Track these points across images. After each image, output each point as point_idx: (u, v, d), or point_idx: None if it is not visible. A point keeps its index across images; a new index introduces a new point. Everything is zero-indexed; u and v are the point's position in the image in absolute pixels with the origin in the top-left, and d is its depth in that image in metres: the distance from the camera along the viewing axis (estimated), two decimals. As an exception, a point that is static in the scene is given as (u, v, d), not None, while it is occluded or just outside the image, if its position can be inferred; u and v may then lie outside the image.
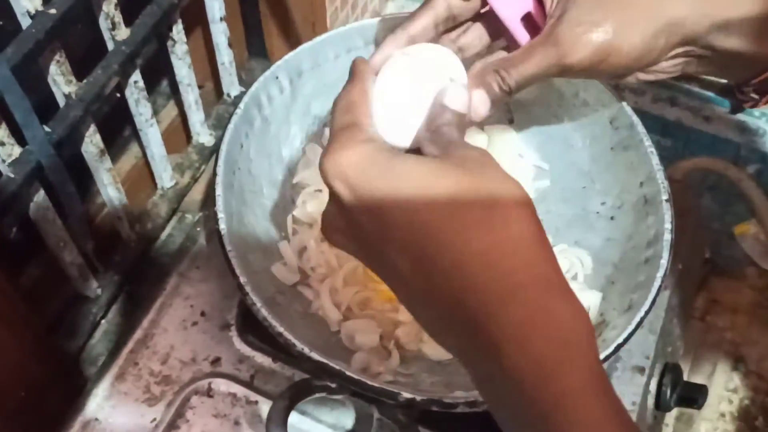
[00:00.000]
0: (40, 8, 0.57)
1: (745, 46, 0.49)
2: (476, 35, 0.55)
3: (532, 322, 0.34)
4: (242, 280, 0.55)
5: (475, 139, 0.75)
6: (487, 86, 0.48)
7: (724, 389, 0.86)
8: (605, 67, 0.49)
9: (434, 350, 0.63)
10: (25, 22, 0.57)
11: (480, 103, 0.48)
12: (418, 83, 0.45)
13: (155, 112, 0.75)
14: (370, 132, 0.41)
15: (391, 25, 0.66)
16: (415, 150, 0.44)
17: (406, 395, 0.51)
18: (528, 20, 0.53)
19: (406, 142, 0.45)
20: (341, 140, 0.40)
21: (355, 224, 0.40)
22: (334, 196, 0.40)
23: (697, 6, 0.49)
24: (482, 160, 0.39)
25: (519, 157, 0.74)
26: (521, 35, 0.53)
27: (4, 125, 0.57)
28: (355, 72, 0.45)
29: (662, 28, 0.49)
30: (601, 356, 0.54)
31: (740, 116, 0.94)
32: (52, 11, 0.57)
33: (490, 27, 0.55)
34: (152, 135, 0.75)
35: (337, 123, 0.42)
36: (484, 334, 0.35)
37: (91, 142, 0.67)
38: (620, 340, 0.55)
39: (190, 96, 0.80)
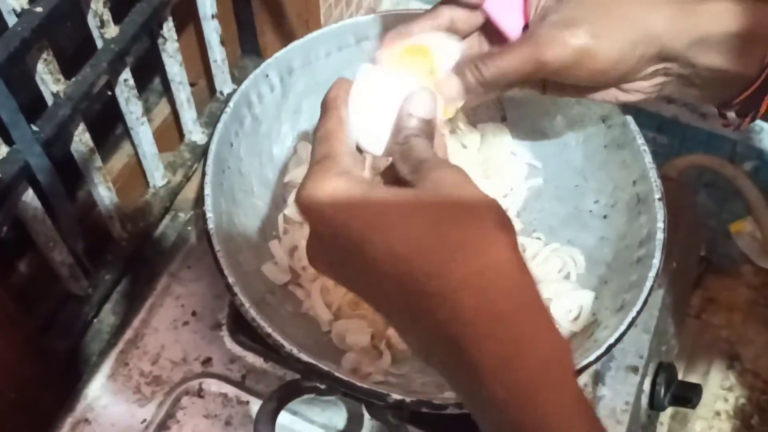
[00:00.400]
0: (27, 6, 0.56)
1: (725, 64, 0.49)
2: (475, 43, 0.55)
3: (514, 350, 0.35)
4: (231, 280, 0.54)
5: (468, 137, 0.74)
6: (461, 74, 0.49)
7: (720, 387, 0.85)
8: (581, 72, 0.50)
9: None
10: (11, 21, 0.57)
11: (451, 87, 0.49)
12: (394, 88, 0.45)
13: (147, 110, 0.75)
14: (344, 164, 0.41)
15: (390, 23, 0.65)
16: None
17: (396, 396, 0.51)
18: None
19: (380, 150, 0.44)
20: (316, 174, 0.40)
21: (336, 258, 0.40)
22: (313, 230, 0.41)
23: (676, 20, 0.49)
24: (456, 183, 0.39)
25: (512, 155, 0.73)
26: None
27: (-9, 124, 0.56)
28: (329, 99, 0.44)
29: (640, 39, 0.49)
30: (593, 356, 0.54)
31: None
32: (39, 9, 0.57)
33: (490, 38, 0.55)
34: (143, 133, 0.75)
35: (314, 155, 0.42)
36: (469, 360, 0.35)
37: (81, 141, 0.67)
38: (612, 340, 0.54)
39: (182, 94, 0.80)
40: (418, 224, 0.37)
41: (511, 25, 0.53)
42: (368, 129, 0.44)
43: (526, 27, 0.53)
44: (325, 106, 0.44)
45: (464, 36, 0.54)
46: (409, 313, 0.37)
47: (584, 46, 0.48)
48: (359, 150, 0.45)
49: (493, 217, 0.37)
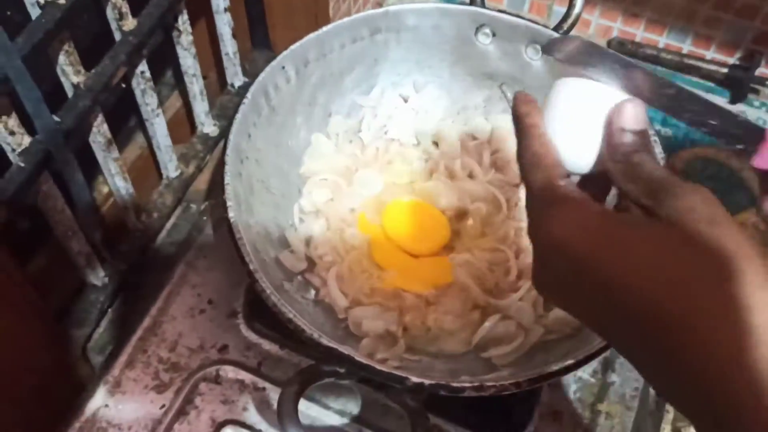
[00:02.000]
0: (50, -2, 0.57)
1: None
2: None
3: None
4: (252, 267, 0.55)
5: (479, 129, 0.75)
6: None
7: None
8: None
9: (443, 342, 0.64)
10: (34, 13, 0.57)
11: None
12: (590, 102, 0.41)
13: (159, 103, 0.76)
14: (567, 191, 0.38)
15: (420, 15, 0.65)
16: (601, 174, 0.41)
17: (415, 380, 0.52)
18: None
19: (586, 168, 0.41)
20: (544, 208, 0.38)
21: (570, 287, 0.37)
22: (547, 260, 0.38)
23: None
24: (711, 218, 0.34)
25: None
26: None
27: (14, 114, 0.57)
28: (521, 116, 0.41)
29: None
30: (604, 344, 0.55)
31: (740, 106, 0.95)
32: (61, 1, 0.57)
33: None
34: (158, 125, 0.76)
35: (530, 184, 0.40)
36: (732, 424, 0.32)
37: (99, 132, 0.67)
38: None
39: (195, 86, 0.80)
40: (674, 265, 0.33)
41: None
42: (572, 147, 0.41)
43: None
44: (520, 125, 0.41)
45: None
46: (659, 363, 0.34)
47: None
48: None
49: (756, 270, 0.33)
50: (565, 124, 0.41)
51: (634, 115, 0.39)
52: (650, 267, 0.34)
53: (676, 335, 0.33)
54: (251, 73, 0.89)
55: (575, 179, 0.41)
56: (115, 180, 0.72)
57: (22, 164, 0.58)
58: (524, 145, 0.41)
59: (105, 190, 0.78)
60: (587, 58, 0.42)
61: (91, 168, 0.72)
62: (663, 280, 0.33)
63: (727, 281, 0.32)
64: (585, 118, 0.41)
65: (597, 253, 0.35)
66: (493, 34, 0.71)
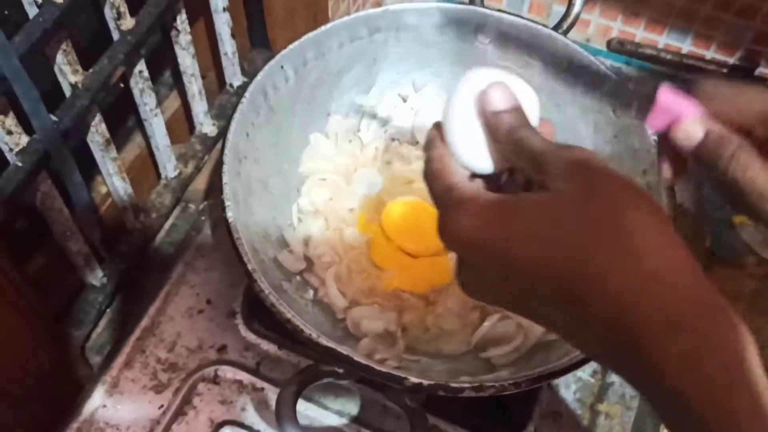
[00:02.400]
0: (47, -3, 0.57)
1: None
2: None
3: (694, 352, 0.33)
4: (250, 267, 0.55)
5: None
6: (722, 145, 0.42)
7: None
8: None
9: (443, 342, 0.64)
10: (32, 12, 0.57)
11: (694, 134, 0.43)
12: (471, 100, 0.41)
13: (158, 102, 0.75)
14: (466, 190, 0.40)
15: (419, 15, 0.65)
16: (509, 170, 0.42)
17: (414, 380, 0.52)
18: None
19: (490, 166, 0.42)
20: (445, 209, 0.39)
21: (491, 281, 0.39)
22: (461, 260, 0.40)
23: None
24: (589, 173, 0.36)
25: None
26: None
27: (11, 114, 0.57)
28: (428, 142, 0.43)
29: None
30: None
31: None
32: (59, 0, 0.57)
33: None
34: (157, 125, 0.76)
35: (434, 194, 0.41)
36: (646, 364, 0.34)
37: (97, 132, 0.67)
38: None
39: (194, 86, 0.80)
40: (567, 230, 0.35)
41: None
42: (471, 151, 0.42)
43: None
44: (426, 149, 0.43)
45: None
46: (575, 322, 0.36)
47: None
48: (475, 176, 0.43)
49: (638, 203, 0.35)
50: (459, 128, 0.42)
51: (499, 96, 0.40)
52: (543, 236, 0.36)
53: (577, 291, 0.35)
54: (250, 72, 0.89)
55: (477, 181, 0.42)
56: (114, 180, 0.72)
57: (20, 164, 0.58)
58: (426, 166, 0.42)
59: (103, 190, 0.77)
60: None
61: (90, 168, 0.72)
62: (557, 245, 0.35)
63: (610, 234, 0.35)
64: (472, 117, 0.41)
65: (497, 238, 0.37)
66: (493, 34, 0.71)
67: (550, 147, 0.38)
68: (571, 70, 0.68)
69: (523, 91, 0.42)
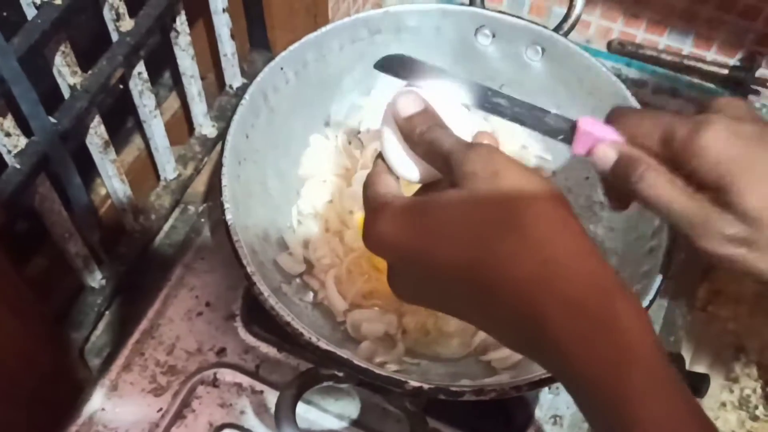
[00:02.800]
0: (46, -1, 0.57)
1: None
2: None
3: (591, 333, 0.35)
4: (250, 269, 0.55)
5: (478, 128, 0.75)
6: (632, 166, 0.45)
7: (726, 379, 0.86)
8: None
9: (443, 345, 0.64)
10: (30, 13, 0.57)
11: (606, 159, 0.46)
12: (387, 118, 0.45)
13: (157, 104, 0.75)
14: (387, 198, 0.42)
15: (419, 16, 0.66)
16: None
17: (414, 384, 0.51)
18: None
19: (420, 174, 0.45)
20: (368, 217, 0.42)
21: (412, 281, 0.41)
22: (388, 264, 0.43)
23: None
24: (491, 168, 0.38)
25: (523, 148, 0.74)
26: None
27: (9, 116, 0.57)
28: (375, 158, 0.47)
29: None
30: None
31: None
32: (58, 2, 0.57)
33: None
34: (156, 126, 0.75)
35: (363, 201, 0.44)
36: (551, 349, 0.36)
37: (96, 134, 0.67)
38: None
39: (194, 88, 0.80)
40: (471, 224, 0.37)
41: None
42: (400, 162, 0.45)
43: None
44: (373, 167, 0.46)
45: None
46: (486, 309, 0.38)
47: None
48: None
49: (538, 195, 0.37)
50: (389, 143, 0.45)
51: (407, 102, 0.43)
52: (449, 231, 0.38)
53: (483, 283, 0.37)
54: (250, 74, 0.89)
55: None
56: (113, 182, 0.72)
57: (19, 166, 0.58)
58: (366, 180, 0.45)
59: (102, 191, 0.77)
60: (403, 70, 0.48)
61: (89, 170, 0.72)
62: (462, 239, 0.37)
63: (510, 225, 0.37)
64: (397, 132, 0.44)
65: (409, 237, 0.39)
66: (493, 35, 0.71)
67: (458, 145, 0.41)
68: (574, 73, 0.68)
69: (447, 103, 0.46)
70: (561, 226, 0.37)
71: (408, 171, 0.45)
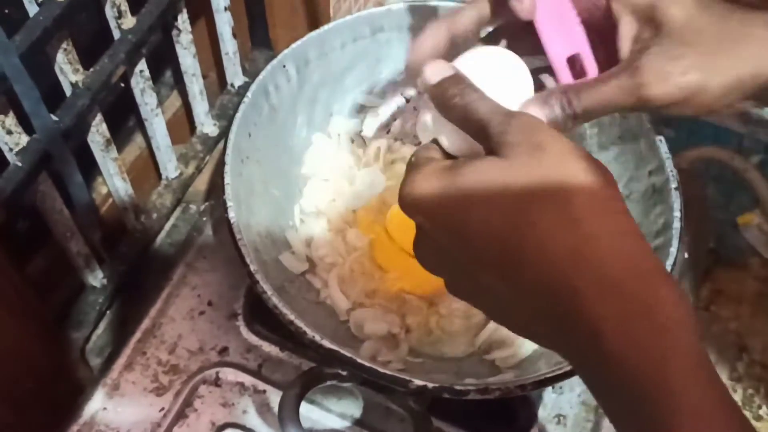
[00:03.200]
0: (48, -5, 0.56)
1: None
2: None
3: (630, 314, 0.34)
4: (252, 268, 0.55)
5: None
6: (549, 107, 0.46)
7: (728, 379, 0.86)
8: (686, 109, 0.48)
9: (447, 344, 0.64)
10: (32, 10, 0.57)
11: None
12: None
13: (159, 102, 0.75)
14: (429, 156, 0.41)
15: (422, 14, 0.66)
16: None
17: (418, 382, 0.51)
18: (573, 63, 0.51)
19: (461, 147, 0.43)
20: (408, 175, 0.40)
21: (442, 248, 0.39)
22: (417, 227, 0.41)
23: None
24: (535, 140, 0.37)
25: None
26: (565, 76, 0.51)
27: (11, 113, 0.56)
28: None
29: (746, 76, 0.48)
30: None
31: (744, 106, 0.94)
32: (60, -1, 0.57)
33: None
34: (158, 125, 0.75)
35: (407, 165, 0.42)
36: (583, 328, 0.34)
37: (98, 132, 0.67)
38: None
39: (195, 86, 0.80)
40: (510, 193, 0.36)
41: (556, 56, 0.51)
42: (445, 135, 0.43)
43: (570, 60, 0.51)
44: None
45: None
46: (513, 288, 0.36)
47: (695, 83, 0.47)
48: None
49: (582, 169, 0.36)
50: (431, 116, 0.43)
51: (434, 69, 0.42)
52: (487, 198, 0.36)
53: (517, 255, 0.35)
54: (251, 72, 0.88)
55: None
56: (114, 180, 0.72)
57: (20, 164, 0.58)
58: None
59: (104, 190, 0.77)
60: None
61: (91, 168, 0.72)
62: (500, 207, 0.36)
63: (551, 198, 0.35)
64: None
65: (446, 200, 0.38)
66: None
67: (496, 113, 0.39)
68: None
69: (510, 65, 0.45)
70: (605, 205, 0.36)
71: (452, 144, 0.43)
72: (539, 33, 0.50)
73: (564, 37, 0.50)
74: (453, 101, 0.40)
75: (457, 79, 0.41)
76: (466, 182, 0.37)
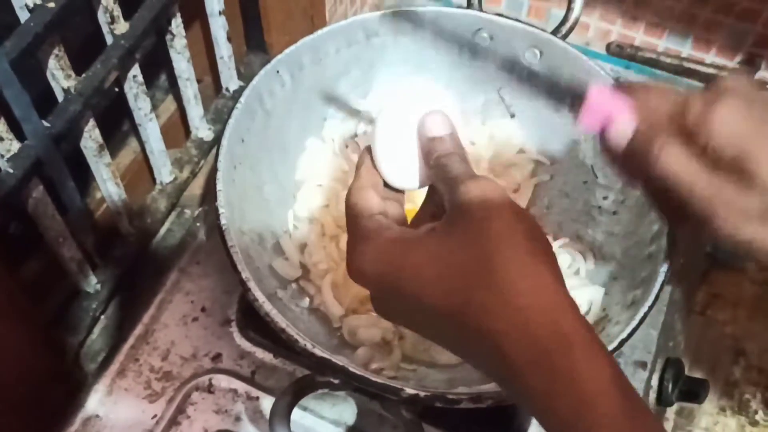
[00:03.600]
0: (39, 2, 0.56)
1: None
2: None
3: (552, 388, 0.35)
4: (244, 275, 0.54)
5: (477, 134, 0.74)
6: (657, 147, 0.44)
7: (725, 383, 0.86)
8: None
9: (440, 350, 0.63)
10: (23, 16, 0.57)
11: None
12: (409, 125, 0.45)
13: (153, 107, 0.75)
14: (373, 224, 0.43)
15: (417, 19, 0.66)
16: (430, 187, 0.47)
17: (410, 391, 0.51)
18: None
19: (414, 184, 0.46)
20: (352, 246, 0.43)
21: (396, 308, 0.42)
22: (373, 294, 0.43)
23: None
24: (485, 208, 0.39)
25: (520, 151, 0.73)
26: None
27: (2, 120, 0.56)
28: (357, 165, 0.47)
29: None
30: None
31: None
32: (51, 5, 0.56)
33: None
34: (151, 130, 0.75)
35: (348, 220, 0.45)
36: (522, 396, 0.37)
37: (90, 137, 0.66)
38: (624, 335, 0.54)
39: (189, 90, 0.79)
40: (453, 269, 0.38)
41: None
42: (398, 167, 0.46)
43: None
44: (356, 168, 0.47)
45: None
46: (465, 352, 0.40)
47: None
48: (396, 190, 0.47)
49: (519, 244, 0.38)
50: (387, 148, 0.46)
51: (436, 123, 0.44)
52: (431, 274, 0.38)
53: (460, 328, 0.38)
54: (246, 76, 0.88)
55: (393, 206, 0.46)
56: (107, 185, 0.71)
57: (11, 170, 0.57)
58: (350, 186, 0.46)
59: (99, 194, 0.76)
60: None
61: (85, 173, 0.71)
62: (442, 283, 0.38)
63: (488, 275, 0.37)
64: (400, 138, 0.45)
65: (396, 279, 0.40)
66: (491, 38, 0.70)
67: (465, 176, 0.41)
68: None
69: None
70: (536, 279, 0.37)
71: (402, 180, 0.46)
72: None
73: None
74: (439, 160, 0.43)
75: (453, 137, 0.44)
76: (414, 261, 0.39)
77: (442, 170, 0.42)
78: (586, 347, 0.36)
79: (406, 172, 0.46)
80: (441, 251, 0.39)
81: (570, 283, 0.64)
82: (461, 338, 0.39)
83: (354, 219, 0.44)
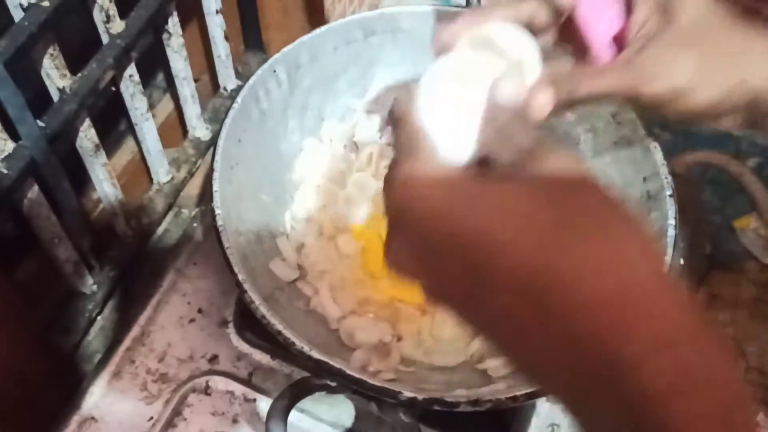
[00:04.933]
0: (33, 1, 0.56)
1: None
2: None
3: (682, 381, 0.28)
4: (241, 277, 0.54)
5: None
6: (558, 86, 0.43)
7: (725, 385, 0.85)
8: (671, 109, 0.48)
9: (438, 353, 0.63)
10: (17, 15, 0.56)
11: (543, 100, 0.42)
12: (470, 83, 0.39)
13: (150, 106, 0.74)
14: (438, 156, 0.36)
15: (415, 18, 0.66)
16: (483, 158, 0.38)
17: (408, 394, 0.50)
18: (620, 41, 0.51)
19: (467, 153, 0.38)
20: (409, 159, 0.35)
21: (433, 264, 0.33)
22: (406, 230, 0.34)
23: None
24: (573, 184, 0.33)
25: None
26: (605, 55, 0.51)
27: (-4, 120, 0.56)
28: (400, 115, 0.39)
29: (735, 87, 0.47)
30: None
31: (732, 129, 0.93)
32: (45, 4, 0.56)
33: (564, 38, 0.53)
34: (148, 129, 0.74)
35: (402, 136, 0.37)
36: (625, 390, 0.28)
37: (86, 137, 0.66)
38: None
39: (186, 90, 0.79)
40: (545, 217, 0.31)
41: (599, 37, 0.51)
42: (450, 135, 0.37)
43: (615, 42, 0.51)
44: (398, 122, 0.40)
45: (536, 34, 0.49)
46: (529, 328, 0.31)
47: (685, 86, 0.47)
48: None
49: (626, 214, 0.31)
50: (439, 111, 0.38)
51: (510, 90, 0.39)
52: (515, 220, 0.31)
53: (541, 291, 0.30)
54: (244, 75, 0.87)
55: None
56: (104, 186, 0.71)
57: (6, 171, 0.57)
58: (396, 136, 0.39)
59: (95, 195, 0.76)
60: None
61: (81, 173, 0.71)
62: (530, 231, 0.30)
63: (596, 232, 0.30)
64: (459, 102, 0.38)
65: (454, 206, 0.32)
66: (490, 37, 0.70)
67: (542, 150, 0.35)
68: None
69: (521, 44, 0.44)
70: (649, 250, 0.31)
71: (457, 151, 0.38)
72: (580, 18, 0.50)
73: (604, 21, 0.51)
74: (507, 129, 0.37)
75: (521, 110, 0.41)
76: (495, 197, 0.32)
77: (507, 140, 0.36)
78: (717, 339, 0.29)
79: (462, 141, 0.38)
80: (533, 197, 0.32)
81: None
82: (531, 308, 0.30)
83: (412, 130, 0.37)
